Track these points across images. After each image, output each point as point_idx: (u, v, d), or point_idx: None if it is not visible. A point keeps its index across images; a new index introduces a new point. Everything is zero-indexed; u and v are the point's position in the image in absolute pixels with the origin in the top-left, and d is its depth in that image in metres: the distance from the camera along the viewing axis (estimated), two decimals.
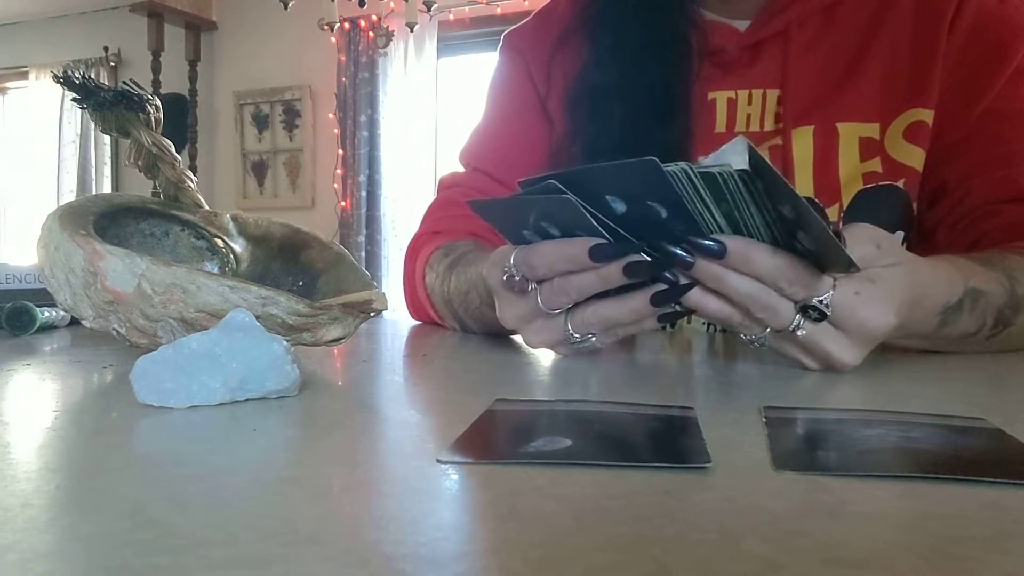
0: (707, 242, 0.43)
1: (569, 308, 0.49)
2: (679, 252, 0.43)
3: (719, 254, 0.42)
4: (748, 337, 0.48)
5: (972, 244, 0.69)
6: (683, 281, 0.45)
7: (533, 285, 0.49)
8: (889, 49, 0.72)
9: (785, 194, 0.39)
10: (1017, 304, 0.57)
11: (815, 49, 0.74)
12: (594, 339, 0.50)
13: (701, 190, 0.41)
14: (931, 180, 0.73)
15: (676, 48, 0.75)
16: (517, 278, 0.49)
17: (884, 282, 0.46)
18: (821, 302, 0.44)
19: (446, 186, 0.88)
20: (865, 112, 0.72)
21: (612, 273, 0.45)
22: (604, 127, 0.76)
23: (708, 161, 0.41)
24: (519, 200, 0.47)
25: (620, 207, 0.43)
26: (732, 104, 0.75)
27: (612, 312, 0.48)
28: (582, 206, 0.43)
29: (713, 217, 0.43)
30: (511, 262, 0.49)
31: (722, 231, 0.43)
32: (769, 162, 0.38)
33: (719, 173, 0.40)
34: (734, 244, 0.42)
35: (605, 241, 0.45)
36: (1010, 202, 0.67)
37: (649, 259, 0.44)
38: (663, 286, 0.45)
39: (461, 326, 0.71)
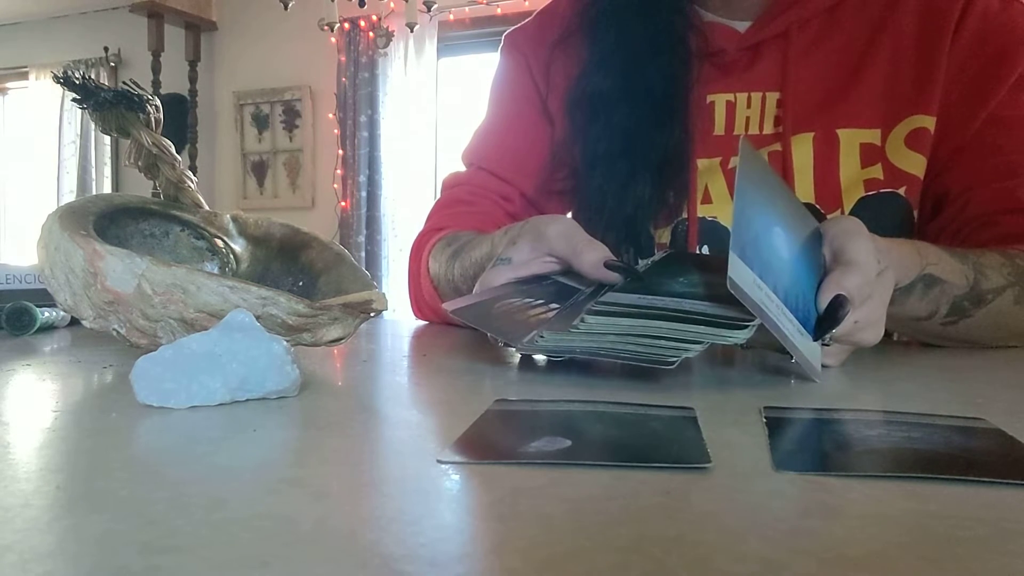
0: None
1: None
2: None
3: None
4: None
5: None
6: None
7: None
8: (891, 54, 0.72)
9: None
10: (979, 297, 0.58)
11: (816, 52, 0.73)
12: None
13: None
14: (934, 188, 0.73)
15: (675, 51, 0.75)
16: (500, 344, 0.50)
17: (879, 296, 0.47)
18: (824, 340, 0.45)
19: (449, 185, 0.88)
20: (866, 118, 0.72)
21: None
22: (603, 131, 0.76)
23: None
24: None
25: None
26: (731, 107, 0.75)
27: None
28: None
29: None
30: (491, 336, 0.51)
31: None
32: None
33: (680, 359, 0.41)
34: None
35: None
36: (1009, 213, 0.68)
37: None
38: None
39: None
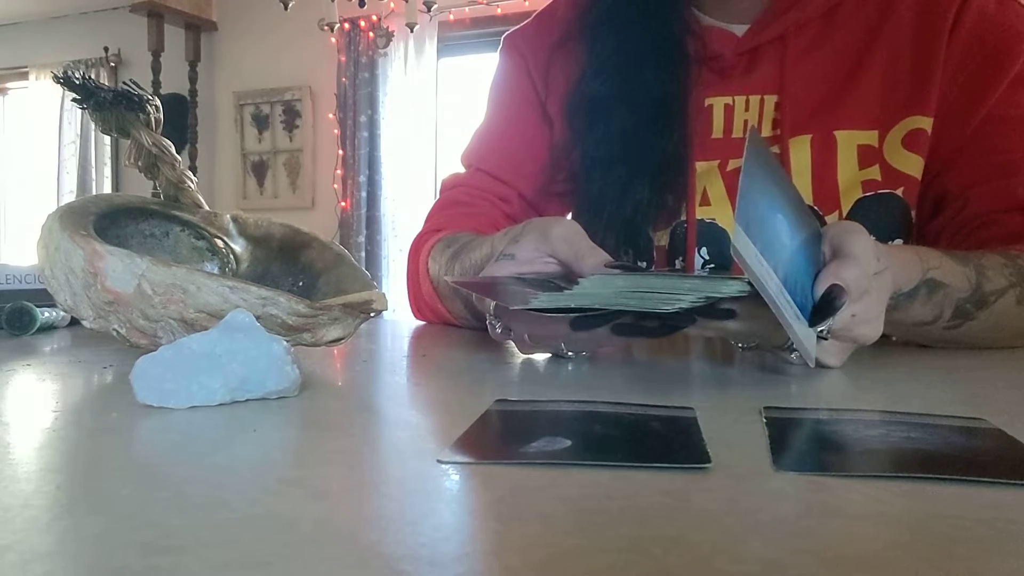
0: (721, 307, 0.45)
1: None
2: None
3: (731, 316, 0.45)
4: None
5: None
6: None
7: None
8: (888, 56, 0.72)
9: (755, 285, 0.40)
10: (981, 300, 0.58)
11: (813, 55, 0.73)
12: (585, 353, 0.53)
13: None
14: (933, 189, 0.72)
15: (674, 56, 0.75)
16: (499, 331, 0.52)
17: (877, 293, 0.47)
18: (821, 332, 0.45)
19: (448, 187, 0.88)
20: (863, 120, 0.72)
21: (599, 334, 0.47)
22: (603, 135, 0.76)
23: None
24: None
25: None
26: (729, 110, 0.75)
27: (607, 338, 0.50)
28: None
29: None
30: (491, 317, 0.52)
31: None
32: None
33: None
34: (744, 310, 0.44)
35: (581, 314, 0.45)
36: (1009, 212, 0.67)
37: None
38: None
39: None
